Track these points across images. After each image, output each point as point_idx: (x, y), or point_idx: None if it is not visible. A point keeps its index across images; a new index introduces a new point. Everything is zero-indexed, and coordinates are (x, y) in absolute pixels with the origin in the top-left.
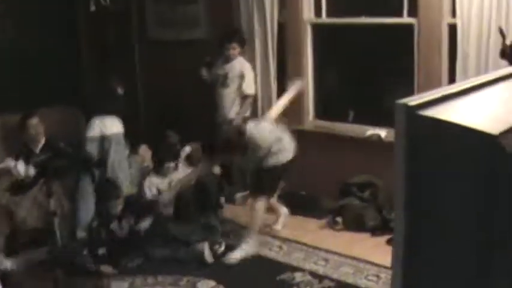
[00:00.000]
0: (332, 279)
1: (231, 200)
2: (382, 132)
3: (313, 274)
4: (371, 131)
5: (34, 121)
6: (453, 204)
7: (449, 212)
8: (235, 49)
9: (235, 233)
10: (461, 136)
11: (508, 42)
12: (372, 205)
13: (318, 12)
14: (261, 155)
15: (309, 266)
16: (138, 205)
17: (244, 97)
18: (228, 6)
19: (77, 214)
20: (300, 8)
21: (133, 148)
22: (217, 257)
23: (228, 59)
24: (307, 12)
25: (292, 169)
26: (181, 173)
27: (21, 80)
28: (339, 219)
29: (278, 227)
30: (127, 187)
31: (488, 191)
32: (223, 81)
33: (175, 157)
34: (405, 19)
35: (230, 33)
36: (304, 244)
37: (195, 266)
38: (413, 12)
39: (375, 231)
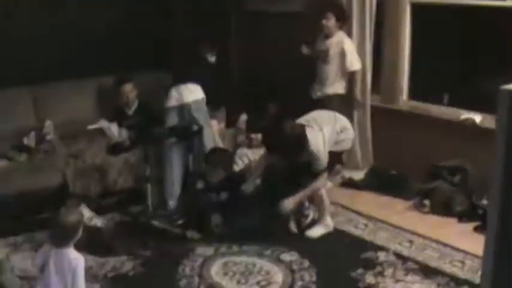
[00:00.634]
0: (416, 262)
1: None
2: (477, 117)
3: (397, 255)
4: (466, 115)
5: (128, 87)
6: None
7: None
8: (330, 20)
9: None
10: None
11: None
12: (462, 190)
13: None
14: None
15: (393, 246)
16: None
17: (350, 73)
18: None
19: (166, 183)
20: None
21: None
22: (302, 229)
23: (327, 35)
24: None
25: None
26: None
27: (116, 44)
28: (426, 201)
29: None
30: None
31: None
32: (324, 57)
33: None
34: (508, 2)
35: (328, 4)
36: (390, 224)
37: (279, 237)
38: None
39: (462, 217)
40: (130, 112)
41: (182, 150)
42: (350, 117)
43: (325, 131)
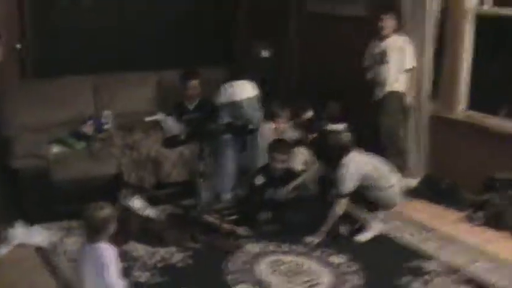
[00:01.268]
0: (465, 273)
1: None
2: None
3: (447, 265)
4: None
5: (195, 82)
6: None
7: None
8: (387, 21)
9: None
10: None
11: None
12: None
13: (481, 1)
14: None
15: (443, 256)
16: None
17: (406, 71)
18: None
19: (220, 178)
20: None
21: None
22: (352, 233)
23: (382, 37)
24: (470, 0)
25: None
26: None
27: (180, 39)
28: (479, 214)
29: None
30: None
31: None
32: (382, 58)
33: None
34: None
35: (386, 6)
36: (441, 234)
37: (329, 239)
38: None
39: None
40: (192, 107)
41: (236, 147)
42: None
43: (365, 165)
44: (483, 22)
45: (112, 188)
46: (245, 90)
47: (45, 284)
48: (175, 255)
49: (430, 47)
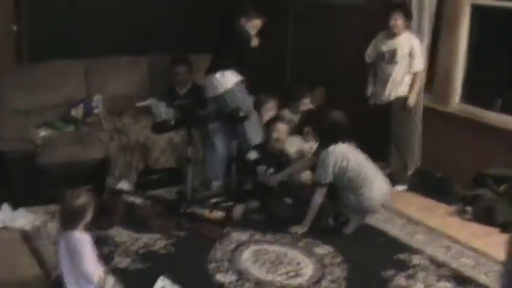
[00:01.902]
0: (450, 268)
1: None
2: None
3: (432, 259)
4: None
5: (183, 67)
6: None
7: None
8: (398, 19)
9: None
10: None
11: None
12: (506, 200)
13: None
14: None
15: (429, 250)
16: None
17: (413, 74)
18: None
19: (210, 165)
20: None
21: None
22: (339, 225)
23: (392, 34)
24: None
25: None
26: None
27: (173, 24)
28: (469, 208)
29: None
30: None
31: None
32: (391, 57)
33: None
34: None
35: (397, 4)
36: (429, 227)
37: (316, 231)
38: None
39: (504, 228)
40: (182, 92)
41: (226, 135)
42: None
43: (350, 160)
44: (480, 14)
45: (99, 173)
46: (226, 81)
47: (28, 267)
48: (158, 242)
49: (425, 39)
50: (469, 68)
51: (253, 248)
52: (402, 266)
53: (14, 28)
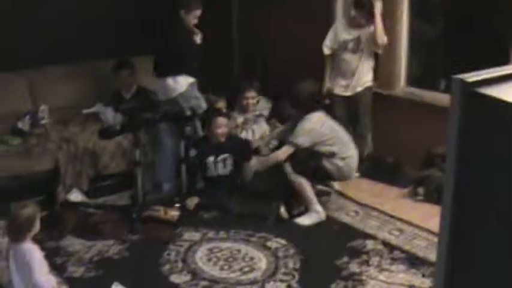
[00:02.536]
0: (403, 251)
1: None
2: None
3: (385, 243)
4: None
5: (126, 72)
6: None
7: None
8: (361, 11)
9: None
10: None
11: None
12: None
13: None
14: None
15: (382, 234)
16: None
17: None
18: None
19: (160, 167)
20: None
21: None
22: (293, 216)
23: (354, 24)
24: None
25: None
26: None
27: (115, 28)
28: (420, 189)
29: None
30: None
31: None
32: (356, 46)
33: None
34: None
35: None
36: (382, 212)
37: (269, 224)
38: None
39: None
40: (128, 96)
41: (174, 135)
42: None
43: (326, 127)
44: None
45: (50, 183)
46: (179, 86)
47: None
48: (112, 248)
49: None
50: (413, 50)
51: (206, 246)
52: (356, 253)
53: None
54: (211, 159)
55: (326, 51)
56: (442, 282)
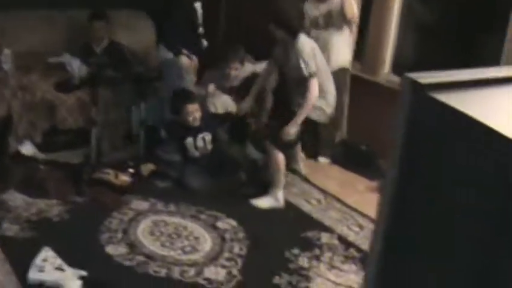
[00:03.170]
0: (359, 250)
1: None
2: None
3: (342, 239)
4: None
5: (100, 23)
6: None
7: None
8: None
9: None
10: (478, 137)
11: None
12: None
13: None
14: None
15: (340, 229)
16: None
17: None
18: None
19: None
20: None
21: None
22: (247, 196)
23: None
24: None
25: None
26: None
27: None
28: None
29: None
30: None
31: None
32: (327, 22)
33: None
34: None
35: None
36: (345, 204)
37: (222, 202)
38: None
39: None
40: (98, 50)
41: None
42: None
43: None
44: None
45: (1, 132)
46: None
47: None
48: (53, 209)
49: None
50: (402, 36)
51: (152, 218)
52: (308, 245)
53: None
54: (190, 140)
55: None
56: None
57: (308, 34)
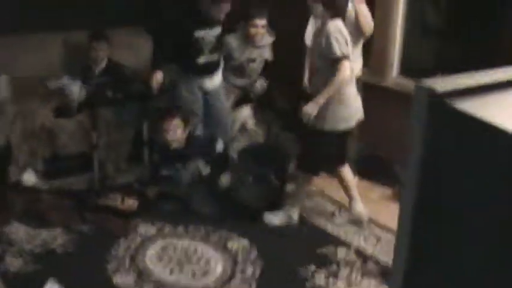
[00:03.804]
0: (377, 263)
1: None
2: None
3: (359, 253)
4: None
5: (101, 44)
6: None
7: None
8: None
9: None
10: (502, 145)
11: None
12: None
13: None
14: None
15: (357, 242)
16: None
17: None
18: None
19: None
20: None
21: None
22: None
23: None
24: None
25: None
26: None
27: None
28: None
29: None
30: None
31: None
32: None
33: None
34: None
35: None
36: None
37: (233, 219)
38: None
39: None
40: (98, 71)
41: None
42: None
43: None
44: None
45: (1, 162)
46: None
47: None
48: (58, 239)
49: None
50: (409, 37)
51: (160, 243)
52: (324, 262)
53: None
54: (179, 165)
55: (308, 43)
56: None
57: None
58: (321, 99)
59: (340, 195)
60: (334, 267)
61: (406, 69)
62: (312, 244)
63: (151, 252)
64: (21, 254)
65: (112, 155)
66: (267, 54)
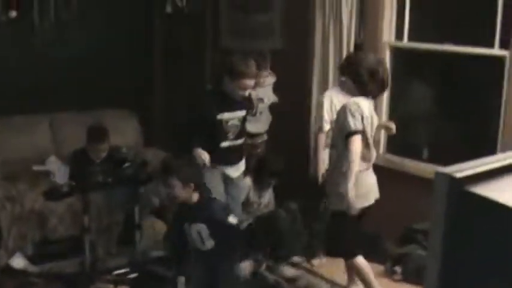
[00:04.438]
0: None
1: None
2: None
3: None
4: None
5: (102, 146)
6: None
7: None
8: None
9: None
10: None
11: None
12: None
13: (399, 35)
14: None
15: None
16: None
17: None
18: (303, 17)
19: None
20: (379, 29)
21: None
22: None
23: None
24: (387, 34)
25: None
26: None
27: (76, 79)
28: (398, 268)
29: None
30: None
31: None
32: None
33: None
34: (496, 51)
35: None
36: None
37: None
38: (506, 44)
39: None
40: (99, 160)
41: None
42: None
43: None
44: (401, 57)
45: None
46: None
47: None
48: None
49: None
50: (393, 115)
51: None
52: None
53: None
54: (186, 225)
55: (326, 127)
56: None
57: None
58: (352, 180)
59: (330, 271)
60: None
61: (391, 146)
62: None
63: None
64: None
65: (102, 238)
66: (271, 96)
